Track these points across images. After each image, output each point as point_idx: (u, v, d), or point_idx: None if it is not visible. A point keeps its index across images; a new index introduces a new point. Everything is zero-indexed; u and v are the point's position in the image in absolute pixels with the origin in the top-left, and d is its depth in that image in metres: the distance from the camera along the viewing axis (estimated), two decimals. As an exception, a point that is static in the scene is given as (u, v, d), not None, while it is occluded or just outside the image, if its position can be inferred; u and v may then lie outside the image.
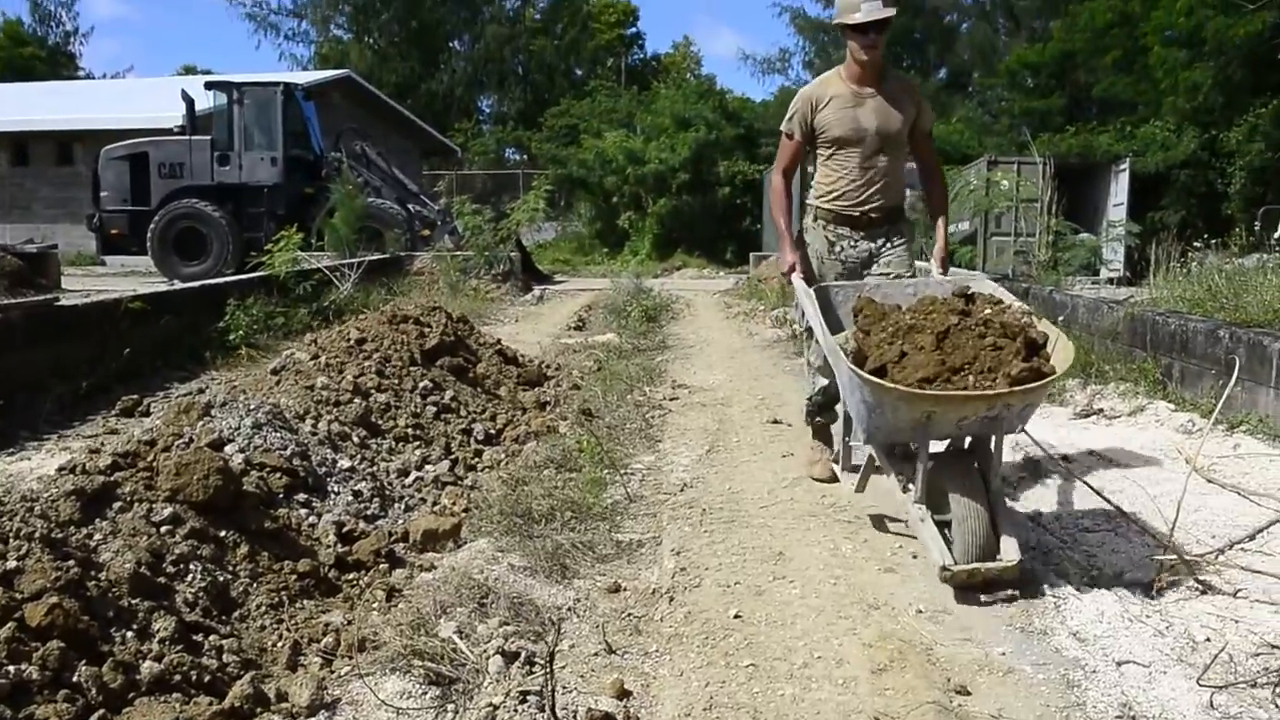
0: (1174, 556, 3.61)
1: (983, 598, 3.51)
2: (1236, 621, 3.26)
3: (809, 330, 4.80)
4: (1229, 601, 3.42)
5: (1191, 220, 20.45)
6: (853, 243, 4.85)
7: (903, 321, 3.87)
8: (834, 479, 4.78)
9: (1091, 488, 4.45)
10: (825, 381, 4.82)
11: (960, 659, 3.06)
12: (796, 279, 4.70)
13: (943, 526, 3.65)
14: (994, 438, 3.78)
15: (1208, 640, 3.14)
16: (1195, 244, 11.02)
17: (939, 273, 4.68)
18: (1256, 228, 14.14)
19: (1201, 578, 3.56)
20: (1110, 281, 15.90)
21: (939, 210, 5.05)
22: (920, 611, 3.43)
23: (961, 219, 16.34)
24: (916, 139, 4.86)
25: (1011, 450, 5.07)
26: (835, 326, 4.26)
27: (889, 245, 4.87)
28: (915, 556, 3.96)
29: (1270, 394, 5.28)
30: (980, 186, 17.75)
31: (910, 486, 3.79)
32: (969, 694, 2.85)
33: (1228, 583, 3.56)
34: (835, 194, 4.81)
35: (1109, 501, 4.23)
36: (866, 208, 4.79)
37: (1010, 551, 3.49)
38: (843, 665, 3.04)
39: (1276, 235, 12.44)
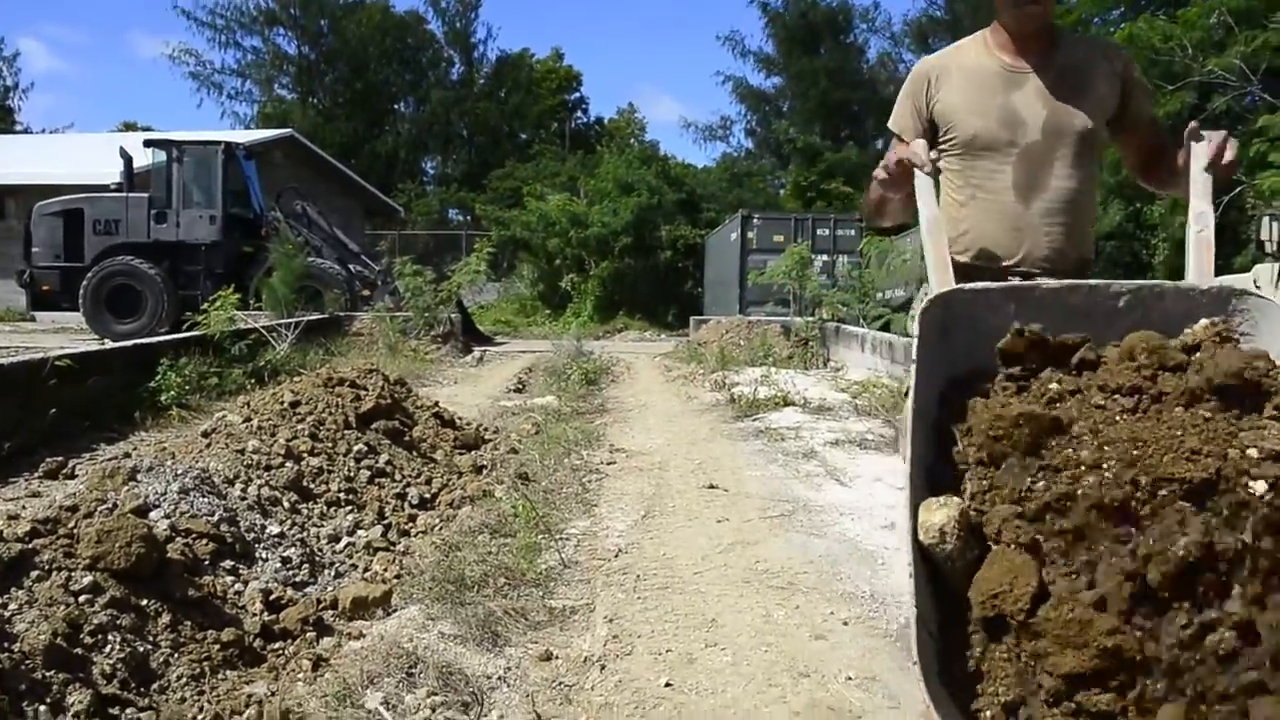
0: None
1: (911, 665, 3.52)
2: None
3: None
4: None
5: (1119, 290, 20.99)
6: None
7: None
8: None
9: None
10: None
11: (888, 728, 3.07)
12: (923, 190, 2.55)
13: None
14: None
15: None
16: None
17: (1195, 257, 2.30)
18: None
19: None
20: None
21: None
22: (850, 679, 3.43)
23: (896, 286, 16.63)
24: (1133, 132, 2.94)
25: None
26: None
27: None
28: (846, 624, 3.98)
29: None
30: (915, 255, 18.09)
31: None
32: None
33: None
34: (972, 236, 2.90)
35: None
36: (1034, 257, 2.87)
37: None
38: (773, 736, 3.04)
39: None
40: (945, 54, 3.00)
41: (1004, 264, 2.87)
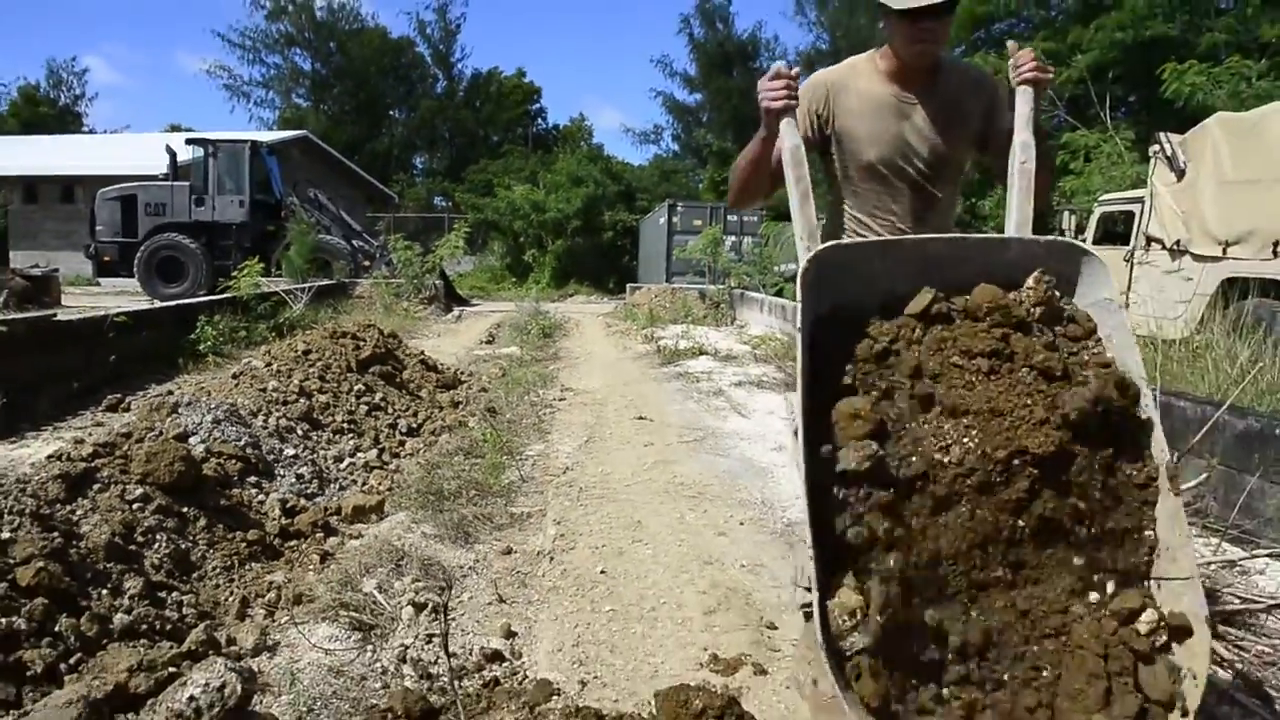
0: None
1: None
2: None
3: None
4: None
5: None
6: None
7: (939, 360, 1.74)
8: None
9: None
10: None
11: (770, 601, 3.14)
12: (786, 128, 2.10)
13: None
14: None
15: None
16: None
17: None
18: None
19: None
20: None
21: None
22: (743, 566, 3.51)
23: (789, 261, 16.69)
24: (998, 147, 2.36)
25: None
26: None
27: None
28: (742, 524, 4.05)
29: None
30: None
31: None
32: (776, 628, 2.94)
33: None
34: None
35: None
36: None
37: None
38: (682, 608, 3.10)
39: None
40: (840, 70, 2.51)
41: None
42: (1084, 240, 10.58)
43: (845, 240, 1.99)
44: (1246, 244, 7.86)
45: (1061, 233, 11.29)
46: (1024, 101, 2.20)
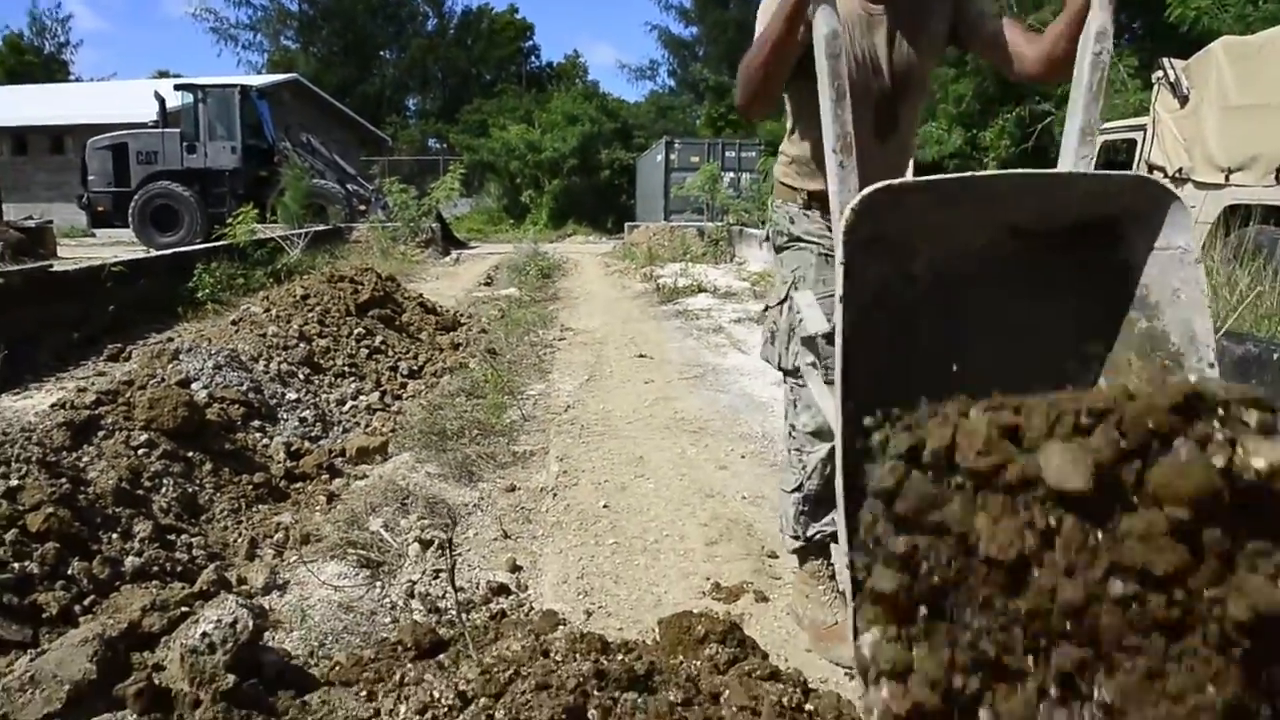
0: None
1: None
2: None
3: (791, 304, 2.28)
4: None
5: (959, 197, 21.27)
6: None
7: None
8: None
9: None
10: (824, 452, 2.34)
11: (771, 531, 3.17)
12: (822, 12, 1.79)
13: None
14: None
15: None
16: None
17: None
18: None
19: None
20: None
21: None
22: (744, 498, 3.55)
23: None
24: (979, 34, 2.29)
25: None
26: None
27: None
28: (743, 457, 4.08)
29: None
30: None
31: None
32: (776, 557, 2.98)
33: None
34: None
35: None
36: None
37: None
38: (684, 540, 3.14)
39: None
40: None
41: None
42: (1085, 169, 10.48)
43: (893, 182, 1.55)
44: (1249, 170, 7.79)
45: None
46: None
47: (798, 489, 2.40)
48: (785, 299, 2.39)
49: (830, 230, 2.14)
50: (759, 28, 2.15)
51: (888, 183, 1.48)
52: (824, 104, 1.78)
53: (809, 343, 1.73)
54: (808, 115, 2.28)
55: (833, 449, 1.88)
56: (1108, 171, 1.77)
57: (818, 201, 2.33)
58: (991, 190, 1.69)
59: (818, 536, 2.42)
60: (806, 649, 2.38)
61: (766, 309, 2.55)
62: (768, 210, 2.59)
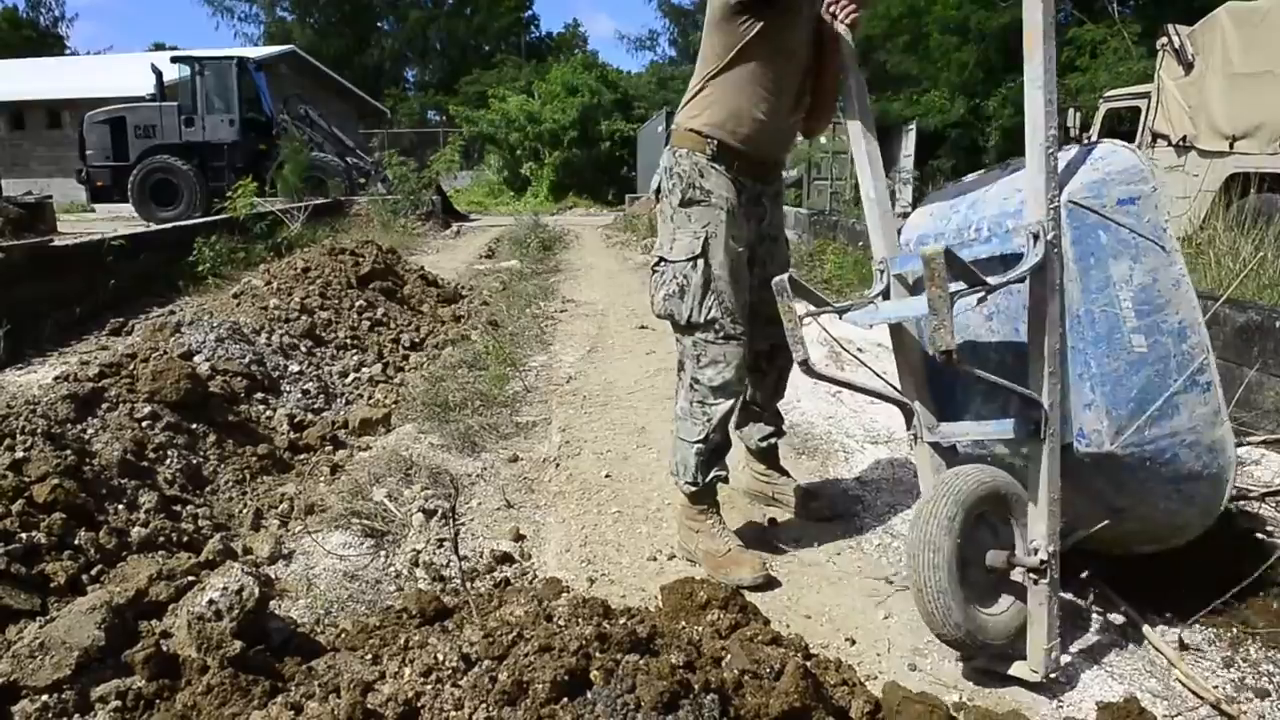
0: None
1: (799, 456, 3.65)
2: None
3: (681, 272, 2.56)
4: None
5: (959, 168, 21.17)
6: (754, 201, 2.68)
7: None
8: (773, 578, 2.57)
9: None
10: (726, 407, 2.61)
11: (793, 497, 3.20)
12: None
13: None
14: None
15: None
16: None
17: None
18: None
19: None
20: (902, 215, 16.39)
21: None
22: (745, 471, 3.56)
23: (789, 167, 16.49)
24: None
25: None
26: None
27: (774, 209, 2.78)
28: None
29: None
30: (801, 141, 17.96)
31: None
32: (777, 524, 3.01)
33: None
34: (762, 133, 2.56)
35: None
36: (781, 154, 2.83)
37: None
38: (686, 509, 3.16)
39: None
40: None
41: (770, 154, 2.69)
42: (1089, 138, 10.42)
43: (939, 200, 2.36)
44: (1254, 138, 7.74)
45: (1067, 130, 11.11)
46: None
47: (701, 440, 2.61)
48: (700, 255, 2.52)
49: (735, 186, 2.55)
50: None
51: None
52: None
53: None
54: (732, 75, 2.48)
55: (734, 404, 2.60)
56: None
57: (726, 153, 2.54)
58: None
59: (711, 480, 2.67)
60: (806, 615, 2.40)
61: (661, 260, 2.61)
62: (665, 158, 2.65)
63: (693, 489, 2.68)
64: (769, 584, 2.54)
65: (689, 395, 2.63)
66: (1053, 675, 2.02)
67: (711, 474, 2.66)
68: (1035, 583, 2.01)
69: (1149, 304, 2.06)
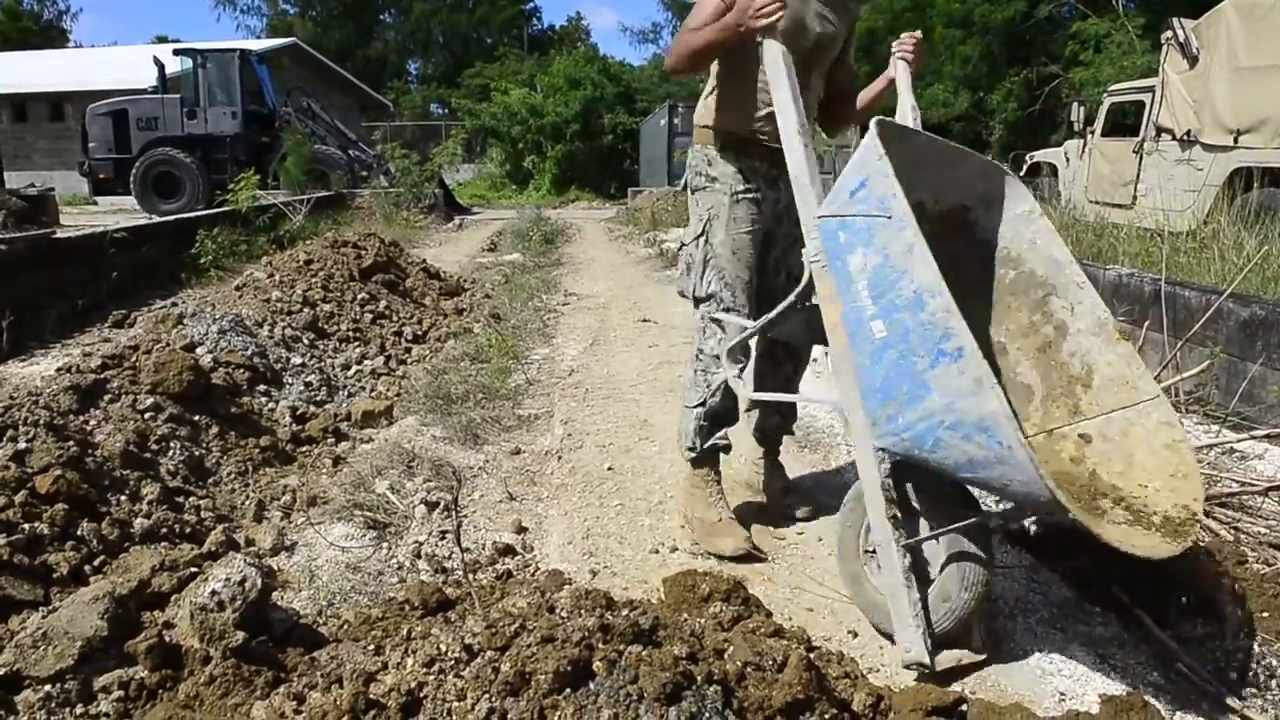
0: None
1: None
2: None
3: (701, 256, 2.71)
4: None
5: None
6: (770, 184, 2.71)
7: None
8: (755, 553, 2.70)
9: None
10: (722, 378, 2.62)
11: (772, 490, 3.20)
12: (771, 42, 2.38)
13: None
14: None
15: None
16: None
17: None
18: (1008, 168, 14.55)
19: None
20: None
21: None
22: (745, 460, 3.56)
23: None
24: (840, 70, 2.86)
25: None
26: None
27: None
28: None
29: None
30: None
31: (901, 524, 2.05)
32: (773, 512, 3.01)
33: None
34: (764, 116, 2.60)
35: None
36: None
37: (976, 638, 2.10)
38: (688, 502, 3.16)
39: (1021, 174, 12.82)
40: None
41: (776, 142, 2.57)
42: (1092, 132, 10.39)
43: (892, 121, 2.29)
44: (1258, 132, 7.72)
45: (1071, 124, 11.08)
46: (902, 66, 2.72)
47: (701, 405, 2.74)
48: (701, 234, 2.72)
49: (740, 174, 2.68)
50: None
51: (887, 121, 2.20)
52: (781, 97, 2.32)
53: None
54: (734, 69, 2.66)
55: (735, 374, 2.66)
56: (982, 156, 2.47)
57: (733, 143, 2.70)
58: (927, 153, 2.31)
59: (710, 447, 2.78)
60: (808, 608, 2.41)
61: (683, 245, 2.84)
62: (687, 156, 2.86)
63: (692, 454, 2.81)
64: (748, 559, 2.66)
65: (694, 365, 2.78)
66: (909, 664, 2.01)
67: (710, 441, 2.77)
68: (879, 568, 2.11)
69: (883, 282, 1.92)
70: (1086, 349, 2.25)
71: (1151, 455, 2.07)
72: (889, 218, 1.89)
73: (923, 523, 2.07)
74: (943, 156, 2.37)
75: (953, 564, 2.02)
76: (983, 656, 2.07)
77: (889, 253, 1.90)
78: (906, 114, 2.58)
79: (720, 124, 2.71)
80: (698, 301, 2.74)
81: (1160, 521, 1.98)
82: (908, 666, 2.02)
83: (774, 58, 2.35)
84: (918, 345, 1.84)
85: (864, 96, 2.88)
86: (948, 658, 2.03)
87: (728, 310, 2.67)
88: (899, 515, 2.04)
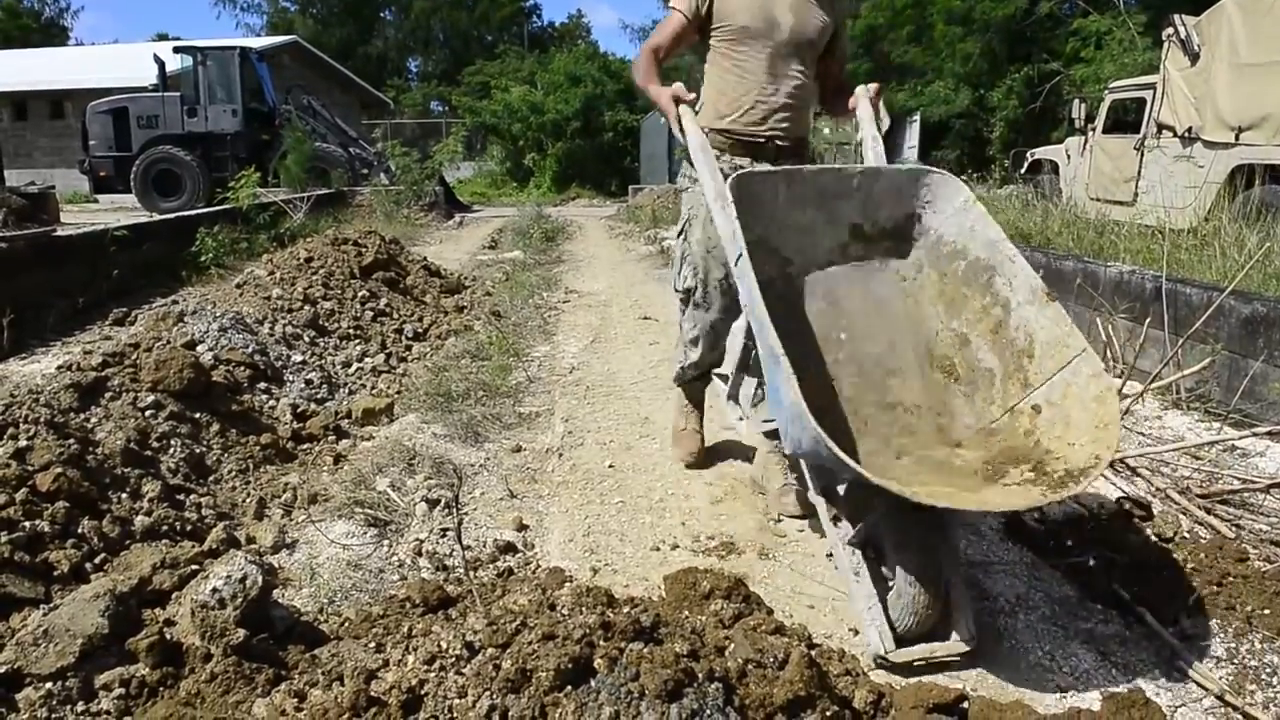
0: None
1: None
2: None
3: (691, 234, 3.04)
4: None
5: (963, 159, 21.14)
6: None
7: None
8: (700, 463, 3.41)
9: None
10: (697, 356, 3.20)
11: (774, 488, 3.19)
12: (687, 117, 2.74)
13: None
14: None
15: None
16: (964, 177, 11.36)
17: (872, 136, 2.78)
18: (1009, 165, 14.58)
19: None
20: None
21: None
22: (749, 460, 3.56)
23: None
24: (831, 63, 3.07)
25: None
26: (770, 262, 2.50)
27: None
28: (742, 419, 4.08)
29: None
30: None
31: (843, 522, 2.20)
32: (779, 520, 3.00)
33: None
34: (735, 109, 2.90)
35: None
36: (773, 131, 2.93)
37: (963, 630, 2.09)
38: (689, 499, 3.16)
39: (1022, 171, 12.82)
40: None
41: (755, 130, 2.94)
42: (1093, 129, 10.38)
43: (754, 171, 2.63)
44: (1260, 129, 7.70)
45: (1071, 122, 11.06)
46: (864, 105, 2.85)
47: (681, 369, 3.34)
48: (681, 232, 3.08)
49: (721, 174, 2.70)
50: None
51: (748, 172, 2.59)
52: (701, 174, 2.64)
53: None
54: (714, 71, 2.97)
55: (700, 357, 3.19)
56: (897, 166, 2.63)
57: (715, 144, 2.86)
58: (821, 184, 2.54)
59: (689, 383, 3.40)
60: (810, 605, 2.40)
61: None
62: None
63: (677, 385, 3.46)
64: (693, 465, 3.38)
65: (678, 338, 3.32)
66: (871, 658, 2.07)
67: (689, 381, 3.37)
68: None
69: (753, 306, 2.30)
70: (1027, 319, 2.29)
71: (1084, 411, 2.07)
72: (695, 179, 2.54)
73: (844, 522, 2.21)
74: (841, 183, 2.54)
75: (899, 559, 2.06)
76: (966, 649, 2.07)
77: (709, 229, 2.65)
78: (867, 144, 2.76)
79: (701, 121, 2.86)
80: (679, 293, 3.16)
81: (1058, 476, 1.97)
82: (873, 661, 2.05)
83: (692, 145, 2.71)
84: (766, 358, 2.19)
85: (851, 104, 2.96)
86: (918, 651, 2.05)
87: (696, 306, 3.07)
88: (839, 516, 2.18)
